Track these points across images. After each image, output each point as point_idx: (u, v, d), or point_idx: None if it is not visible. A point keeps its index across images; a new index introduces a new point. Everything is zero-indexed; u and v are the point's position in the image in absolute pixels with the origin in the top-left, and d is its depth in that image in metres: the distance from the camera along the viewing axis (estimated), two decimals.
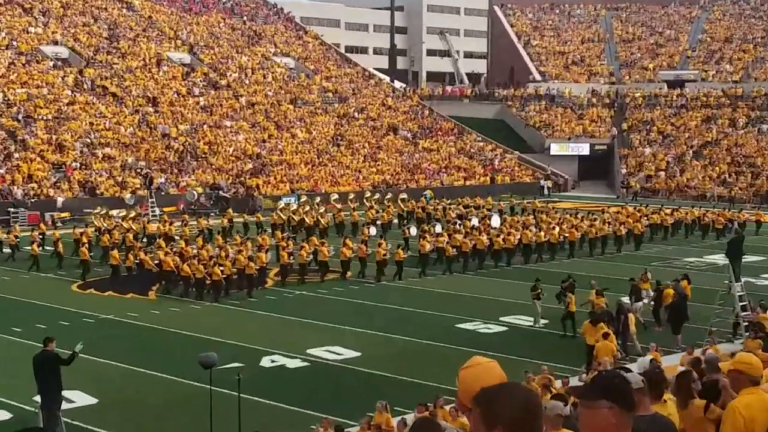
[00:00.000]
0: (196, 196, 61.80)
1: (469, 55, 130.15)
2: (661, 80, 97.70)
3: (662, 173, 79.31)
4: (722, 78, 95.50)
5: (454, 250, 39.02)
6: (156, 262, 35.55)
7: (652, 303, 28.27)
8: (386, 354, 25.85)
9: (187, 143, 69.77)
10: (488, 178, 78.06)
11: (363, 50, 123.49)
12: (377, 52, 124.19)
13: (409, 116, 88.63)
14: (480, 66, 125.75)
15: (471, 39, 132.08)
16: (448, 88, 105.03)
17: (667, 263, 41.61)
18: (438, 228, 44.71)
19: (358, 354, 25.63)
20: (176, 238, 42.86)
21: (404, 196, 58.64)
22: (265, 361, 24.84)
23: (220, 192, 63.55)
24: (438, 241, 40.07)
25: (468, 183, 75.82)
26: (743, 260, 28.60)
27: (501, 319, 29.70)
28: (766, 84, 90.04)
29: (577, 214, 49.10)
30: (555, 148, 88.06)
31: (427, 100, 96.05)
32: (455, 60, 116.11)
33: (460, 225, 44.76)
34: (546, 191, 76.24)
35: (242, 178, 66.79)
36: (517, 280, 35.63)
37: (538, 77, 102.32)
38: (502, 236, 40.93)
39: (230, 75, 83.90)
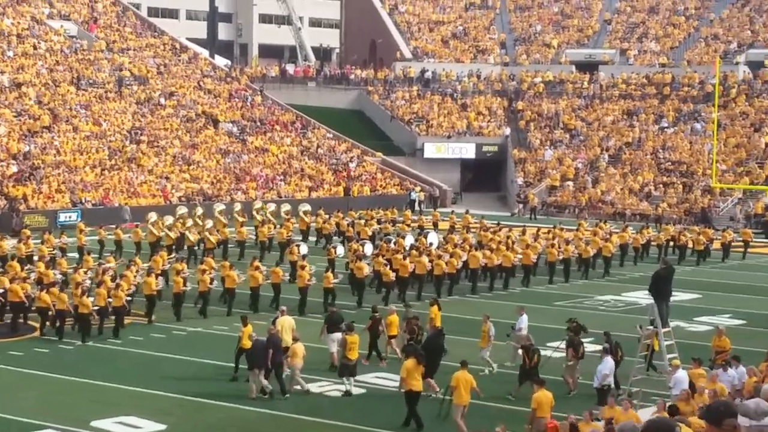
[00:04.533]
0: None
1: (316, 23, 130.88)
2: (568, 61, 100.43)
3: (569, 184, 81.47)
4: (646, 60, 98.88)
5: (393, 273, 42.25)
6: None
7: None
8: (201, 425, 25.83)
9: None
10: (341, 189, 78.61)
11: (172, 14, 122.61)
12: (192, 16, 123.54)
13: (234, 104, 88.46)
14: (331, 38, 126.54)
15: (319, 2, 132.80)
16: (288, 68, 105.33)
17: (576, 302, 42.75)
18: (368, 248, 48.18)
19: (162, 427, 25.50)
20: (34, 259, 44.50)
21: (307, 207, 60.82)
22: None
23: None
24: (376, 262, 43.10)
25: (315, 194, 76.18)
26: (672, 299, 29.56)
27: (361, 378, 29.88)
28: (702, 69, 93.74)
29: (525, 233, 52.44)
30: (430, 150, 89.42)
31: (260, 82, 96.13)
32: (297, 30, 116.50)
33: (394, 244, 47.73)
34: (417, 206, 77.20)
35: (3, 186, 65.38)
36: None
37: (407, 54, 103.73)
38: (445, 258, 43.89)
39: None
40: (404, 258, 43.11)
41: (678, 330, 32.89)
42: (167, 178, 72.79)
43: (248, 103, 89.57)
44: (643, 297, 40.46)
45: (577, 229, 55.61)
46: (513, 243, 48.26)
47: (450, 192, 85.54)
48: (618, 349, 28.29)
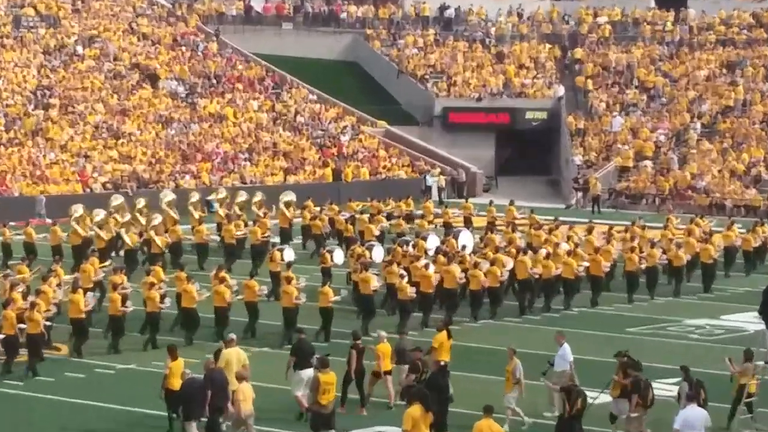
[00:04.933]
0: None
1: None
2: None
3: (647, 164, 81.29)
4: None
5: (412, 290, 41.56)
6: None
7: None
8: None
9: None
10: (329, 171, 78.45)
11: None
12: None
13: (180, 54, 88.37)
14: None
15: None
16: (255, 4, 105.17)
17: (656, 328, 42.70)
18: (378, 252, 48.01)
19: None
20: None
21: (291, 197, 60.73)
22: None
23: None
24: (388, 273, 42.67)
25: (292, 179, 75.96)
26: None
27: None
28: None
29: (591, 231, 52.22)
30: (454, 117, 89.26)
31: (215, 23, 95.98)
32: None
33: (413, 247, 47.58)
34: (436, 195, 77.00)
35: None
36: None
37: None
38: (484, 267, 43.29)
39: None
40: (427, 267, 42.74)
41: None
42: (87, 156, 72.63)
43: (199, 53, 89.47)
44: (750, 321, 40.40)
45: (665, 227, 55.35)
46: (576, 246, 47.92)
47: (481, 175, 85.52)
48: (701, 390, 27.92)
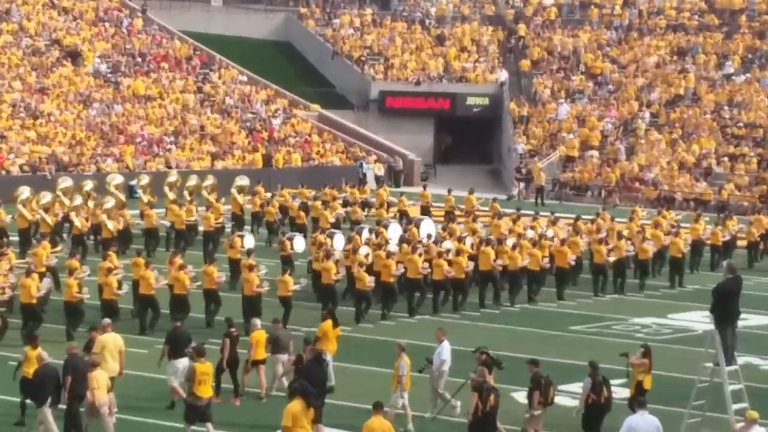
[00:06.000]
0: None
1: None
2: None
3: (593, 154, 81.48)
4: None
5: (371, 279, 42.14)
6: None
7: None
8: None
9: None
10: (259, 156, 78.22)
11: None
12: None
13: (103, 30, 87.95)
14: None
15: None
16: None
17: (601, 327, 42.81)
18: (339, 240, 48.06)
19: None
20: None
21: (244, 182, 60.79)
22: None
23: None
24: (351, 261, 43.13)
25: (220, 165, 75.79)
26: (740, 322, 29.47)
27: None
28: None
29: (556, 222, 53.00)
30: (391, 102, 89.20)
31: None
32: None
33: (376, 235, 48.05)
34: (373, 183, 76.78)
35: None
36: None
37: None
38: (448, 255, 44.03)
39: None
40: (388, 256, 43.09)
41: (750, 369, 32.91)
42: (3, 137, 72.25)
43: (124, 30, 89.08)
44: (699, 320, 40.60)
45: (630, 220, 55.70)
46: (540, 237, 48.32)
47: (419, 164, 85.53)
48: (604, 389, 27.88)
